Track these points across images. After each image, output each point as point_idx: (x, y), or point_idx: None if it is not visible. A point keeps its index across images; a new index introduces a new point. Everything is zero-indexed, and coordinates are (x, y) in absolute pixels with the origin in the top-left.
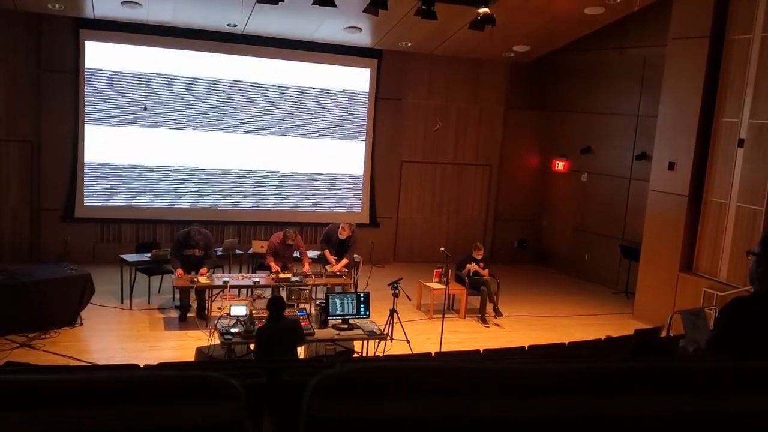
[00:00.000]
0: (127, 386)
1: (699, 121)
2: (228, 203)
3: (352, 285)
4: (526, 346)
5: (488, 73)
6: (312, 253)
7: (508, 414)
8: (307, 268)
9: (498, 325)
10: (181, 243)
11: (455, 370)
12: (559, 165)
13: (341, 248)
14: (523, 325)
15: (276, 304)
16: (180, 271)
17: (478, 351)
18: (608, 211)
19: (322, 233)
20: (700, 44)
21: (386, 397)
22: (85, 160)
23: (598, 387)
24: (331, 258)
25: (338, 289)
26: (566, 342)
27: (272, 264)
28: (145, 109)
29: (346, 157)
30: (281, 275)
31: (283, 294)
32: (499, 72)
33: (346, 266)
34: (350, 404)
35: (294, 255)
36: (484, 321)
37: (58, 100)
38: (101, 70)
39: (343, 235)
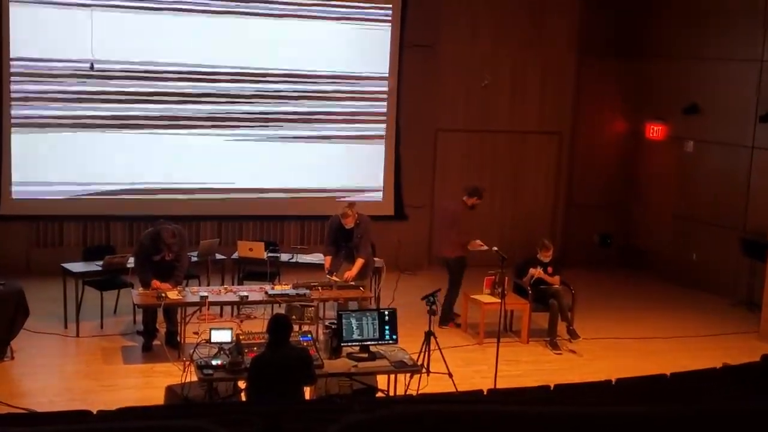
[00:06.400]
0: None
1: None
2: (205, 186)
3: (373, 299)
4: (613, 379)
5: (554, 8)
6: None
7: None
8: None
9: (574, 351)
10: (149, 248)
11: (512, 416)
12: (655, 130)
13: (350, 244)
14: (609, 351)
15: (280, 326)
16: (156, 282)
17: (548, 387)
18: (723, 193)
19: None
20: None
21: None
22: (12, 140)
23: None
24: (326, 262)
25: (353, 305)
26: (668, 373)
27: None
28: (92, 68)
29: (363, 129)
30: (277, 287)
31: (280, 311)
32: (569, 6)
33: (362, 269)
34: None
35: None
36: (554, 346)
37: None
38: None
39: (348, 223)
